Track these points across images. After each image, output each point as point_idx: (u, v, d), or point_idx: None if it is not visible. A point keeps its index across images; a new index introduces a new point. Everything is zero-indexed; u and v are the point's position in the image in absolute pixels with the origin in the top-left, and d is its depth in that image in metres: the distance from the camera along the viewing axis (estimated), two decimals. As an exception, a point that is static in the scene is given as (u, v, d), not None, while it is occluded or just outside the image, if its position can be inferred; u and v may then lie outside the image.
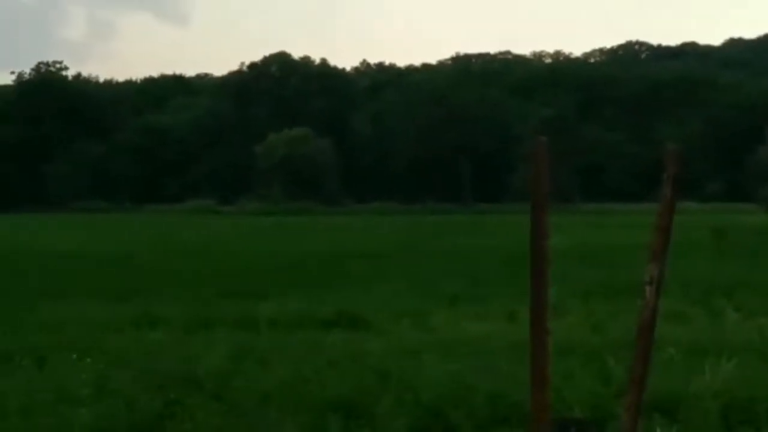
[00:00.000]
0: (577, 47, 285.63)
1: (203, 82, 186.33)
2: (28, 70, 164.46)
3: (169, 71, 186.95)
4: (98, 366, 12.37)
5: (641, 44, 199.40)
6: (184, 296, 22.14)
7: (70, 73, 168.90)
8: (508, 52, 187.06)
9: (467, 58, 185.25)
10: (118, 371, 12.15)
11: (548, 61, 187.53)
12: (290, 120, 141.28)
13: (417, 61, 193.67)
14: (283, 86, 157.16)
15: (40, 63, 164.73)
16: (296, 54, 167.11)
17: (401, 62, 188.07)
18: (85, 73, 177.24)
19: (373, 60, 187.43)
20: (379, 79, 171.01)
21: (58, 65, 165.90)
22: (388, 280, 26.09)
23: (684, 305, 18.69)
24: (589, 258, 33.28)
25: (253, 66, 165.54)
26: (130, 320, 17.79)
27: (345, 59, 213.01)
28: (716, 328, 15.84)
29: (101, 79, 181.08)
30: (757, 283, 23.23)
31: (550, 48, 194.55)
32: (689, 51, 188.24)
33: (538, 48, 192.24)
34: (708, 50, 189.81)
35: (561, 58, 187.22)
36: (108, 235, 60.25)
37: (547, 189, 6.05)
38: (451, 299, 21.15)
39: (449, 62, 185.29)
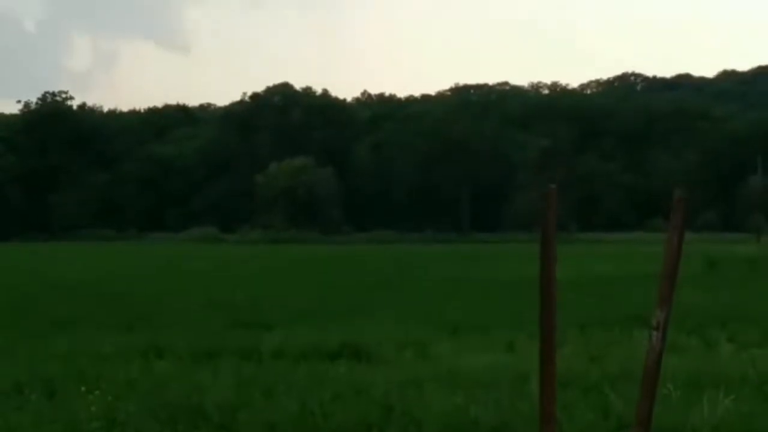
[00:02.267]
0: (573, 78, 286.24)
1: (206, 112, 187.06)
2: (34, 100, 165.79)
3: (172, 101, 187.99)
4: (107, 398, 12.49)
5: (636, 76, 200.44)
6: (190, 326, 22.34)
7: (75, 102, 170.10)
8: (506, 83, 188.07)
9: (466, 88, 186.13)
10: (127, 403, 12.30)
11: (545, 92, 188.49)
12: (292, 149, 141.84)
13: (417, 92, 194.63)
14: (286, 116, 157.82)
15: (46, 93, 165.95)
16: (298, 85, 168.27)
17: (401, 93, 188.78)
18: (89, 103, 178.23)
19: (373, 91, 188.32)
20: (379, 110, 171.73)
21: (63, 95, 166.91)
22: (390, 309, 26.31)
23: (679, 336, 18.92)
24: (585, 288, 33.45)
25: (255, 96, 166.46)
26: (137, 350, 17.97)
27: (346, 90, 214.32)
28: (712, 360, 16.08)
29: (105, 109, 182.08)
30: (749, 314, 23.50)
31: (547, 79, 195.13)
32: (684, 83, 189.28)
33: (535, 79, 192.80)
34: (702, 82, 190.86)
35: (558, 89, 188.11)
36: (114, 264, 60.39)
37: (555, 234, 6.34)
38: (452, 329, 21.38)
39: (448, 93, 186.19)
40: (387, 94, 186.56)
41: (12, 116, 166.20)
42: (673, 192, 6.35)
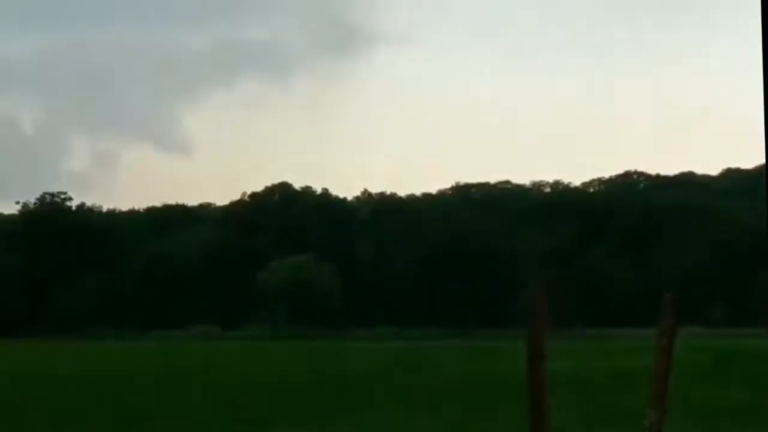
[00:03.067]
0: (576, 177, 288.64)
1: (206, 211, 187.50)
2: (32, 200, 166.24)
3: (171, 201, 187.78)
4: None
5: (639, 174, 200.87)
6: (190, 423, 22.08)
7: (74, 203, 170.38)
8: (507, 182, 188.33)
9: (467, 187, 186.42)
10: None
11: (547, 190, 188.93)
12: (293, 248, 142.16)
13: (417, 191, 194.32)
14: (285, 215, 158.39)
15: (45, 193, 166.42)
16: (297, 184, 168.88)
17: (402, 191, 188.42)
18: (88, 203, 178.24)
19: (374, 189, 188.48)
20: (380, 208, 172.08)
21: (62, 196, 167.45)
22: (395, 406, 25.99)
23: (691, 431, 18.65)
24: (592, 384, 33.13)
25: (254, 196, 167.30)
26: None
27: (346, 189, 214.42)
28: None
29: (104, 209, 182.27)
30: (763, 409, 23.16)
31: (549, 177, 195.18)
32: (687, 180, 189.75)
33: (537, 177, 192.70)
34: (706, 180, 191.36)
35: (560, 188, 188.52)
36: (114, 361, 60.03)
37: (544, 339, 6.26)
38: (456, 427, 21.08)
39: (449, 191, 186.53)
40: (387, 192, 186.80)
41: (11, 216, 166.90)
42: (663, 295, 6.29)
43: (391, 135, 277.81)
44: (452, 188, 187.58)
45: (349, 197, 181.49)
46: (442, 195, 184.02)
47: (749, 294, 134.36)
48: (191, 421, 22.72)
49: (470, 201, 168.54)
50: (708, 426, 19.91)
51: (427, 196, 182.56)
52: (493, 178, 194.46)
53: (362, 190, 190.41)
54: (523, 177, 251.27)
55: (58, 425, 22.12)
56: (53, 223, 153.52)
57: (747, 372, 39.14)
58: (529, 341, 6.03)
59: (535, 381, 5.95)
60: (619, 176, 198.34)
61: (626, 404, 24.15)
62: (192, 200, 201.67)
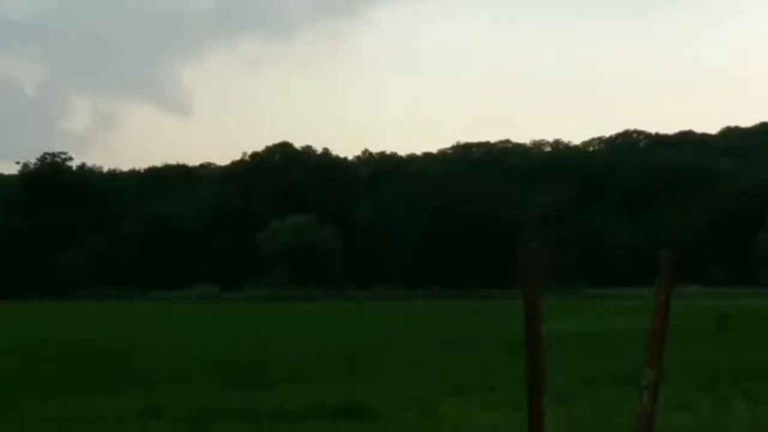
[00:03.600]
0: (576, 136, 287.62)
1: (207, 171, 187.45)
2: (33, 161, 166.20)
3: (172, 160, 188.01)
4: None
5: (639, 132, 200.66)
6: (188, 386, 21.98)
7: (74, 163, 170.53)
8: (508, 141, 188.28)
9: (467, 146, 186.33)
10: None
11: (548, 149, 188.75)
12: (293, 208, 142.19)
13: (418, 150, 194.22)
14: (286, 175, 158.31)
15: (45, 153, 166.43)
16: (298, 144, 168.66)
17: (402, 151, 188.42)
18: (89, 163, 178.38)
19: (374, 149, 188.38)
20: (381, 168, 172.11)
21: (62, 156, 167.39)
22: (395, 368, 25.91)
23: (689, 393, 18.54)
24: (594, 344, 33.08)
25: (255, 156, 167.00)
26: (133, 412, 17.63)
27: (347, 148, 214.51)
28: (722, 416, 15.70)
29: (105, 169, 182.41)
30: (762, 370, 23.06)
31: (549, 137, 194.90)
32: (686, 139, 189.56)
33: (537, 137, 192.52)
34: (705, 138, 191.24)
35: (560, 147, 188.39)
36: (113, 323, 60.05)
37: (539, 295, 6.11)
38: (458, 388, 20.97)
39: (450, 151, 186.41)
40: (388, 152, 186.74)
41: (12, 177, 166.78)
42: (660, 253, 6.13)
43: (392, 94, 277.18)
44: (453, 147, 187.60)
45: (350, 157, 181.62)
46: (442, 154, 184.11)
47: (749, 254, 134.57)
48: (190, 383, 22.60)
49: (470, 161, 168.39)
50: (707, 386, 19.78)
51: (427, 156, 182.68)
52: (493, 137, 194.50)
53: (363, 149, 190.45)
54: (523, 136, 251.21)
55: (54, 389, 21.98)
56: (54, 183, 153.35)
57: (747, 332, 39.05)
58: (525, 302, 5.88)
59: (532, 342, 5.81)
60: (619, 135, 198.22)
61: (626, 364, 24.00)
62: (193, 160, 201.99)
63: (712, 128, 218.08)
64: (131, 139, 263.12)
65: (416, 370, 25.19)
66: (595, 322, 49.36)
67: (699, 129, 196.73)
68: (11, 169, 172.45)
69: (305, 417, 16.68)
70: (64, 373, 26.24)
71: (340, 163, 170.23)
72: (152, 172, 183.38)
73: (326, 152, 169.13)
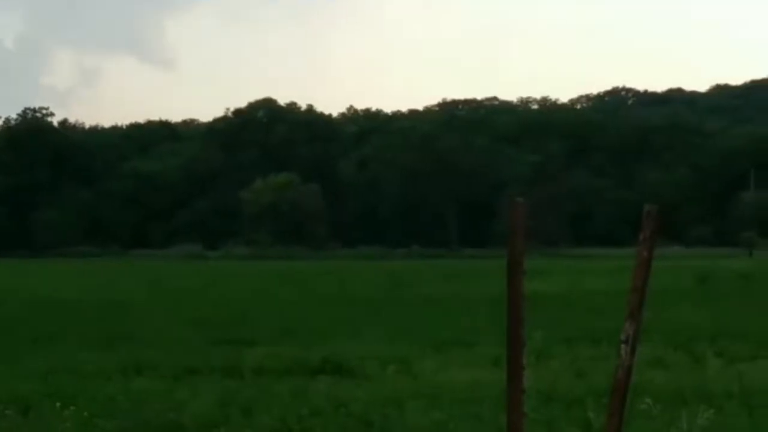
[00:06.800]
0: (564, 93, 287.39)
1: (190, 128, 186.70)
2: (14, 116, 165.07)
3: (155, 117, 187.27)
4: (83, 414, 12.35)
5: (628, 90, 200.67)
6: (172, 343, 22.16)
7: (56, 119, 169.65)
8: (494, 99, 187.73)
9: (454, 104, 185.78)
10: (104, 420, 12.13)
11: (535, 107, 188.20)
12: (277, 166, 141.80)
13: (404, 107, 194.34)
14: (270, 132, 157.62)
15: (26, 109, 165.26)
16: (282, 100, 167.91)
17: (388, 108, 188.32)
18: (71, 119, 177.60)
19: (359, 106, 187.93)
20: (365, 125, 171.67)
21: (44, 111, 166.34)
22: (375, 326, 26.15)
23: (666, 351, 18.83)
24: (574, 303, 33.37)
25: (239, 112, 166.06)
26: (117, 367, 17.80)
27: (331, 105, 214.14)
28: (697, 375, 15.96)
29: (87, 125, 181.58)
30: (739, 329, 23.39)
31: (536, 94, 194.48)
32: (676, 97, 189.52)
33: (525, 94, 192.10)
34: (694, 96, 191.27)
35: (548, 105, 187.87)
36: (97, 281, 60.09)
37: (523, 248, 6.23)
38: (437, 345, 21.21)
39: (436, 108, 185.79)
40: (373, 109, 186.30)
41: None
42: (644, 207, 6.23)
43: (378, 50, 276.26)
44: (439, 105, 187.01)
45: (335, 113, 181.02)
46: (428, 112, 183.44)
47: (732, 214, 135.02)
48: (173, 340, 22.79)
49: (456, 118, 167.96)
50: (684, 346, 20.06)
51: (413, 113, 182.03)
52: (480, 94, 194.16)
53: (348, 106, 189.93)
54: (510, 93, 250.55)
55: (39, 345, 22.15)
56: (35, 139, 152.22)
57: (726, 292, 39.42)
58: (508, 254, 6.01)
59: (513, 295, 5.94)
60: (607, 92, 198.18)
61: (604, 323, 24.27)
62: (175, 116, 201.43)
63: (702, 86, 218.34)
64: (113, 95, 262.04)
65: (397, 329, 25.42)
66: (576, 282, 49.70)
67: (688, 87, 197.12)
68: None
69: (286, 374, 16.89)
70: (48, 329, 26.36)
71: (325, 120, 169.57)
72: (134, 128, 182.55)
73: (311, 109, 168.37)
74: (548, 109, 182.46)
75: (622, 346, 6.26)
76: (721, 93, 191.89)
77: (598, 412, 11.35)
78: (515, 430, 6.07)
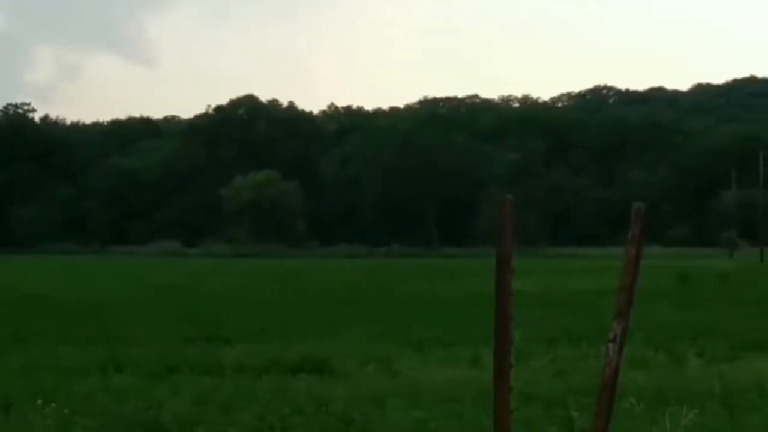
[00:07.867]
0: (545, 92, 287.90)
1: (170, 124, 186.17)
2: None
3: (136, 113, 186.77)
4: (63, 412, 12.29)
5: (609, 89, 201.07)
6: (151, 340, 22.09)
7: (38, 115, 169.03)
8: (475, 96, 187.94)
9: (435, 101, 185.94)
10: (83, 417, 12.08)
11: (516, 105, 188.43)
12: (257, 163, 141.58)
13: (384, 105, 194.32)
14: (251, 129, 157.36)
15: (8, 105, 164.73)
16: (263, 97, 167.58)
17: (369, 106, 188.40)
18: (52, 115, 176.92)
19: (340, 104, 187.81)
20: (346, 123, 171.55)
21: (25, 107, 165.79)
22: (355, 324, 26.14)
23: (647, 351, 18.86)
24: (554, 303, 33.43)
25: (220, 109, 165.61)
26: (96, 364, 17.73)
27: (312, 103, 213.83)
28: (678, 375, 16.01)
29: (68, 121, 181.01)
30: (719, 329, 23.49)
31: (518, 92, 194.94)
32: (657, 96, 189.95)
33: (505, 92, 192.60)
34: (676, 95, 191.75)
35: (529, 103, 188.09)
36: (77, 278, 59.86)
37: (511, 245, 6.21)
38: (417, 344, 21.21)
39: (417, 106, 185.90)
40: (354, 106, 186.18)
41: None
42: (632, 205, 6.20)
43: (359, 48, 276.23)
44: (420, 102, 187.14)
45: (316, 111, 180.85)
46: (409, 109, 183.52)
47: (712, 214, 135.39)
48: (152, 337, 22.74)
49: (437, 117, 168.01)
50: (664, 346, 20.11)
51: (394, 111, 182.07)
52: (461, 92, 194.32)
53: (329, 103, 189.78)
54: (491, 91, 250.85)
55: (18, 342, 22.04)
56: (16, 135, 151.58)
57: (706, 292, 39.56)
58: (497, 252, 5.97)
59: (502, 293, 5.89)
60: (588, 91, 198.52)
61: (585, 324, 24.34)
62: (156, 113, 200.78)
63: (683, 85, 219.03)
64: (95, 91, 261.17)
65: (376, 327, 25.42)
66: (555, 281, 49.81)
67: (670, 86, 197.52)
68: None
69: (265, 372, 16.85)
70: (28, 325, 26.25)
71: (306, 117, 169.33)
72: (115, 124, 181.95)
73: (292, 106, 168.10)
74: (529, 107, 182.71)
75: (610, 345, 6.23)
76: (703, 92, 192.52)
77: (579, 411, 11.38)
78: (502, 428, 6.03)
